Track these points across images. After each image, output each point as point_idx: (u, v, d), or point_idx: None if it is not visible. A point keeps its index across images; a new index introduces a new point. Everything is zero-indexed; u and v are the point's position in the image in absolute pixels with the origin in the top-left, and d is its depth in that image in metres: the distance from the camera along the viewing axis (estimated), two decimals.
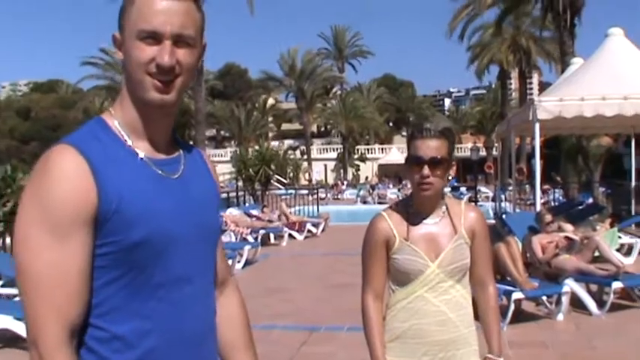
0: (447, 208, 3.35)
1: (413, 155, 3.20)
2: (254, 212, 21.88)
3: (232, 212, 20.08)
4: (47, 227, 1.81)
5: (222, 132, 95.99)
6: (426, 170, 3.15)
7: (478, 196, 34.34)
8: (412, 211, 3.33)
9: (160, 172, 2.02)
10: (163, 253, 1.96)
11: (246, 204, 26.26)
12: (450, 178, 3.36)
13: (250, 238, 18.70)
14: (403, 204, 3.43)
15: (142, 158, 2.01)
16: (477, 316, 3.41)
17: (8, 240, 13.54)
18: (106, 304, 1.91)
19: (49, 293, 1.82)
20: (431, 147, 3.16)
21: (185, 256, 2.02)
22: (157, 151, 2.07)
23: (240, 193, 28.30)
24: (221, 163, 43.71)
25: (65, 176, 1.84)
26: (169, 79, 1.96)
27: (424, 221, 3.31)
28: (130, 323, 1.92)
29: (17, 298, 9.47)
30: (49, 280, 1.81)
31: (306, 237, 21.97)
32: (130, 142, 2.01)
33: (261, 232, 19.68)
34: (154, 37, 1.93)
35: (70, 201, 1.82)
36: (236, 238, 18.34)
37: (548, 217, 11.21)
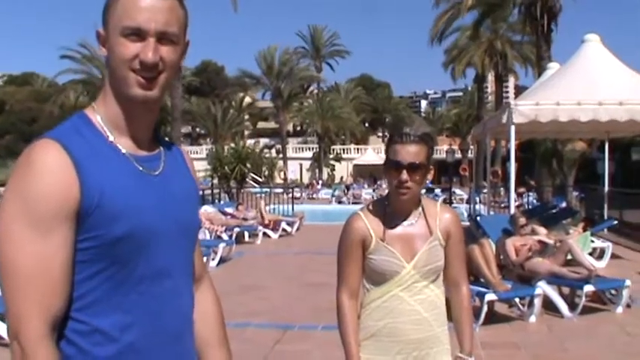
0: (422, 210, 3.38)
1: (392, 160, 3.22)
2: (229, 210, 21.85)
3: (207, 210, 20.03)
4: (30, 221, 1.82)
5: (197, 129, 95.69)
6: (404, 175, 3.18)
7: (453, 198, 34.55)
8: (389, 211, 3.36)
9: (141, 168, 2.03)
10: (145, 247, 1.97)
11: (221, 202, 26.22)
12: (426, 182, 3.42)
13: (225, 236, 18.69)
14: (379, 204, 3.45)
15: (123, 154, 2.02)
16: (450, 317, 3.46)
17: None
18: (88, 297, 1.91)
19: (31, 287, 1.82)
20: (410, 152, 3.19)
21: (166, 252, 2.04)
22: (139, 148, 2.08)
23: (216, 191, 28.28)
24: (196, 161, 42.90)
25: (48, 170, 1.85)
26: (153, 76, 1.98)
27: (400, 222, 3.34)
28: (112, 317, 1.93)
29: None
30: (31, 274, 1.82)
31: (280, 235, 22.00)
32: (112, 138, 2.02)
33: (236, 229, 19.66)
34: (138, 34, 1.95)
35: (52, 195, 1.83)
36: (210, 236, 18.33)
37: (522, 220, 11.28)
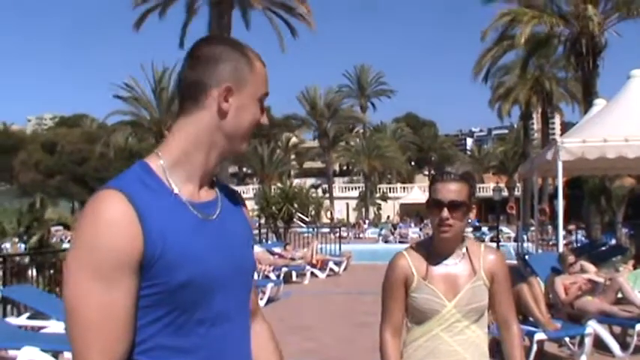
0: (466, 250, 3.41)
1: (433, 198, 3.32)
2: (276, 250, 21.94)
3: (255, 249, 20.06)
4: (94, 272, 1.89)
5: (244, 169, 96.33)
6: (445, 213, 3.26)
7: (500, 236, 34.27)
8: (432, 251, 3.41)
9: (200, 215, 2.07)
10: (206, 293, 2.02)
11: (269, 241, 26.34)
12: (469, 220, 3.48)
13: (273, 276, 18.76)
14: (424, 244, 3.51)
15: (184, 203, 2.06)
16: (502, 357, 3.52)
17: (34, 272, 13.74)
18: (149, 342, 1.97)
19: (95, 335, 1.90)
20: (451, 190, 3.29)
21: (225, 295, 2.08)
22: (199, 194, 2.13)
23: (263, 231, 28.39)
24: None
25: (112, 223, 1.90)
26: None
27: (443, 262, 3.37)
28: (174, 359, 2.00)
29: (43, 330, 9.59)
30: (95, 323, 1.89)
31: (328, 275, 22.03)
32: (174, 187, 2.07)
33: (284, 269, 19.73)
34: (264, 99, 2.21)
35: (117, 248, 1.88)
36: (259, 276, 18.37)
37: (571, 258, 11.21)
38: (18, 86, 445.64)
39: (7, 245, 22.20)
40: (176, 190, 2.07)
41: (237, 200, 2.34)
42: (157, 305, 1.97)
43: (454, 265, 3.37)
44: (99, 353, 1.90)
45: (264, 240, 26.78)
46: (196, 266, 1.99)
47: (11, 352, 8.31)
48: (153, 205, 1.98)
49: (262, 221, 30.29)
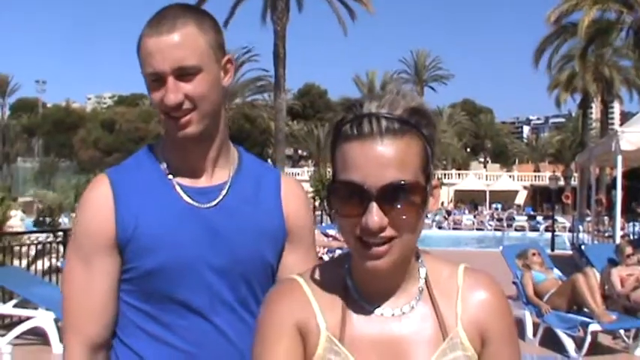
0: (426, 282, 1.61)
1: (343, 181, 1.46)
2: (331, 232, 21.98)
3: None
4: (77, 253, 2.03)
5: (299, 151, 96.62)
6: (373, 215, 1.41)
7: (555, 225, 33.88)
8: (355, 284, 1.60)
9: (191, 201, 2.02)
10: (182, 282, 1.97)
11: (323, 224, 26.41)
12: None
13: (326, 258, 18.82)
14: (338, 268, 1.64)
15: (174, 187, 2.04)
16: None
17: None
18: (130, 326, 2.03)
19: (73, 315, 2.03)
20: (385, 159, 1.42)
21: (215, 286, 2.01)
22: (198, 180, 2.07)
23: (318, 213, 28.46)
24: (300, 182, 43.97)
25: (89, 206, 2.03)
26: (183, 115, 1.95)
27: (377, 310, 1.57)
28: (153, 346, 2.01)
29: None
30: (75, 304, 2.03)
31: None
32: (168, 171, 2.06)
33: (338, 251, 19.74)
34: (158, 79, 1.94)
35: (91, 230, 2.00)
36: None
37: (629, 250, 11.09)
38: (78, 65, 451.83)
39: (65, 220, 22.70)
40: (167, 171, 2.06)
41: (275, 187, 2.19)
42: (135, 291, 2.01)
43: (399, 318, 1.57)
44: (74, 331, 2.02)
45: (318, 222, 26.86)
46: (169, 253, 1.96)
47: None
48: (137, 189, 2.02)
49: (317, 204, 30.36)
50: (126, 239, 1.97)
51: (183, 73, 1.92)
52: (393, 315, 1.56)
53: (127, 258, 1.98)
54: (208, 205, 2.04)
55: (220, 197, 2.06)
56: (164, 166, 2.07)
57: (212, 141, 2.08)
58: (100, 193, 2.00)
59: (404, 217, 1.44)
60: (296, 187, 2.27)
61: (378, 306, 1.56)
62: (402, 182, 1.42)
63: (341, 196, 1.47)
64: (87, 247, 1.99)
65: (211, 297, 2.01)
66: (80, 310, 2.00)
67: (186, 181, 2.06)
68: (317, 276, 1.63)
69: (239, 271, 2.04)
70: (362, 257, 1.47)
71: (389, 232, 1.43)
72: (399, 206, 1.43)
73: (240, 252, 2.04)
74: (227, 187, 2.09)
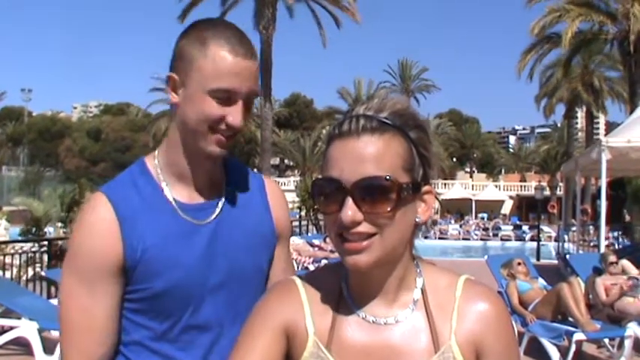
0: (422, 291, 1.60)
1: (323, 178, 1.52)
2: (316, 242, 21.98)
3: (295, 241, 20.18)
4: (77, 276, 1.96)
5: (285, 161, 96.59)
6: (348, 209, 1.44)
7: (541, 235, 33.96)
8: (350, 291, 1.62)
9: (189, 219, 2.02)
10: (189, 301, 1.99)
11: (309, 233, 26.39)
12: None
13: (312, 267, 18.79)
14: (336, 273, 1.67)
15: (173, 207, 2.02)
16: None
17: None
18: (135, 344, 2.02)
19: (75, 337, 1.98)
20: (362, 154, 1.46)
21: (215, 302, 2.03)
22: (196, 195, 2.06)
23: (303, 223, 28.46)
24: (284, 192, 44.06)
25: (93, 228, 1.96)
26: (228, 135, 1.96)
27: (370, 317, 1.58)
28: None
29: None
30: (76, 325, 1.97)
31: None
32: (166, 189, 2.04)
33: (323, 261, 19.71)
34: (227, 97, 1.91)
35: (96, 253, 1.94)
36: (298, 267, 18.42)
37: (613, 258, 11.13)
38: (64, 74, 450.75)
39: (50, 230, 22.63)
40: (167, 192, 2.04)
41: (261, 195, 2.22)
42: (142, 310, 2.00)
43: (392, 327, 1.56)
44: (78, 354, 1.97)
45: (304, 232, 26.85)
46: (178, 273, 1.97)
47: None
48: (138, 209, 1.98)
49: (303, 213, 30.36)
50: (134, 263, 1.95)
51: (249, 100, 1.96)
52: (385, 323, 1.55)
53: (135, 280, 1.97)
54: (207, 221, 2.04)
55: (217, 212, 2.06)
56: (160, 182, 2.05)
57: (218, 162, 2.11)
58: (103, 217, 1.96)
59: (379, 212, 1.44)
60: (277, 188, 2.31)
61: (371, 313, 1.56)
62: (376, 177, 1.43)
63: (322, 193, 1.50)
64: (90, 271, 1.95)
65: (217, 312, 2.02)
66: (83, 331, 1.96)
67: (183, 198, 2.05)
68: (314, 279, 1.67)
69: (240, 283, 2.06)
70: (341, 252, 1.49)
71: (366, 227, 1.45)
72: (373, 201, 1.44)
73: (241, 264, 2.06)
74: (222, 200, 2.09)
